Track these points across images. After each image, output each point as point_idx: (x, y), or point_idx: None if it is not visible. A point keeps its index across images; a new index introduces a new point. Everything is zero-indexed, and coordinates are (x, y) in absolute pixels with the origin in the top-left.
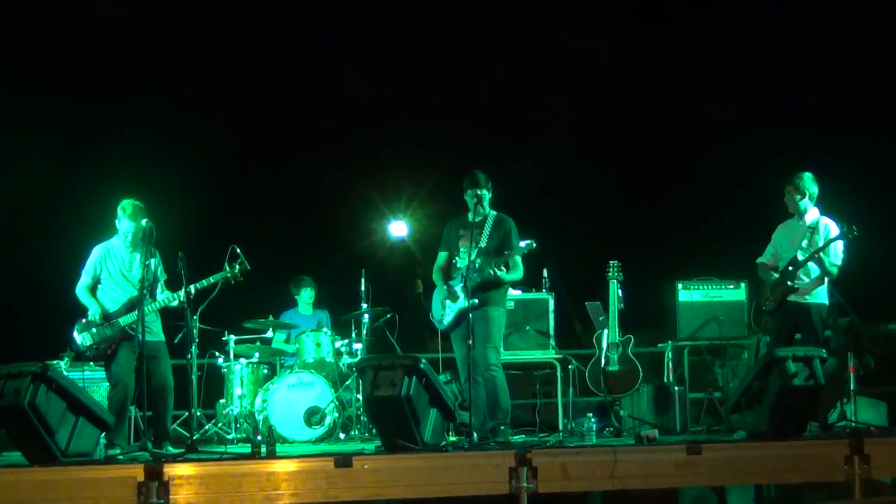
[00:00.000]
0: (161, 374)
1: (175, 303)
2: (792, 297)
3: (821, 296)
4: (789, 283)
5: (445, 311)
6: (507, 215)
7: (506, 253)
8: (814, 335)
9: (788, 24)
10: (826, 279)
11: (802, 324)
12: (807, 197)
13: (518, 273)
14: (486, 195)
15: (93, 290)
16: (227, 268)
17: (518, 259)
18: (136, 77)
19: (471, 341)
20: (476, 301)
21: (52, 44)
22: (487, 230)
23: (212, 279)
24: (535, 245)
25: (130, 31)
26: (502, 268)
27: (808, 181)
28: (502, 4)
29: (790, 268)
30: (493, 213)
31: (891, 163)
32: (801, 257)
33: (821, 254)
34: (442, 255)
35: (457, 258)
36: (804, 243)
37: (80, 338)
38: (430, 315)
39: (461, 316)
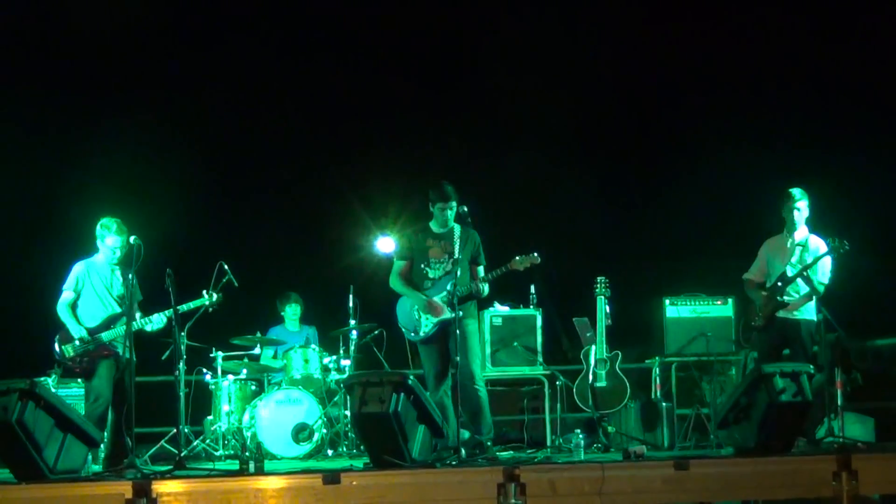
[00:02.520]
0: (130, 390)
1: (150, 327)
2: (781, 313)
3: (810, 312)
4: (779, 298)
5: (421, 320)
6: (476, 229)
7: (482, 268)
8: (803, 351)
9: (775, 42)
10: (815, 294)
11: (792, 340)
12: (805, 213)
13: (487, 288)
14: (455, 207)
15: (73, 306)
16: (206, 295)
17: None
18: (121, 91)
19: (458, 356)
20: (462, 312)
21: (32, 53)
22: (458, 242)
23: (191, 305)
24: (539, 259)
25: (115, 45)
26: (484, 284)
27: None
28: (488, 16)
29: (779, 283)
30: (458, 225)
31: (878, 179)
32: (790, 273)
33: (809, 271)
34: (401, 264)
35: (427, 269)
36: (794, 259)
37: (63, 350)
38: (398, 323)
39: (441, 327)
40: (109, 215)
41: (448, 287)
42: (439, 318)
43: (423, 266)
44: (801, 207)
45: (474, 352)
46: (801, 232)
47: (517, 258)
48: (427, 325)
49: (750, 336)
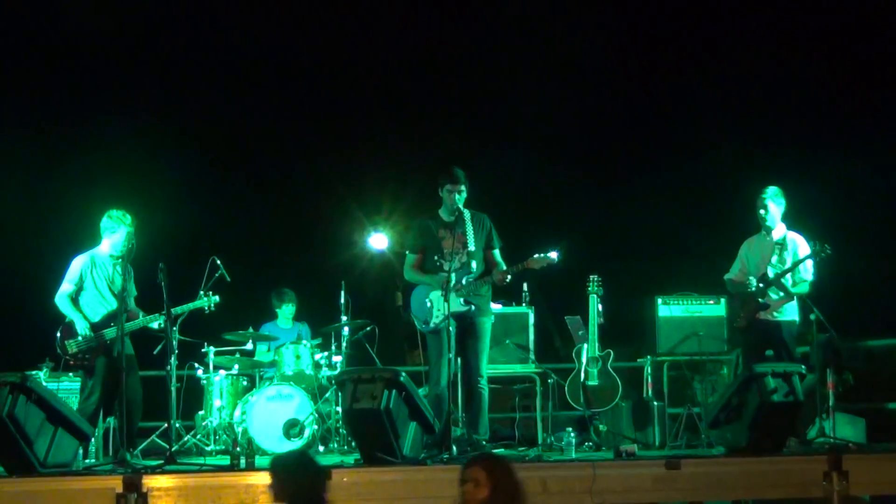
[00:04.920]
0: (134, 386)
1: (155, 325)
2: (762, 315)
3: (791, 313)
4: (760, 300)
5: (433, 311)
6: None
7: (498, 252)
8: (786, 352)
9: (762, 43)
10: (797, 296)
11: (773, 341)
12: (781, 212)
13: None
14: (465, 192)
15: (74, 299)
16: (204, 297)
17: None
18: (116, 87)
19: (450, 354)
20: (476, 308)
21: (30, 51)
22: (470, 230)
23: (189, 307)
24: (558, 257)
25: (112, 43)
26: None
27: (783, 196)
28: (482, 18)
29: (760, 285)
30: (467, 210)
31: (871, 180)
32: (771, 274)
33: (787, 274)
34: (414, 257)
35: (442, 261)
36: (774, 259)
37: (68, 344)
38: (410, 314)
39: (452, 320)
40: (117, 207)
41: (463, 281)
42: (451, 311)
43: (436, 258)
44: (770, 206)
45: (485, 351)
46: (779, 230)
47: (535, 256)
48: (438, 316)
49: (735, 337)
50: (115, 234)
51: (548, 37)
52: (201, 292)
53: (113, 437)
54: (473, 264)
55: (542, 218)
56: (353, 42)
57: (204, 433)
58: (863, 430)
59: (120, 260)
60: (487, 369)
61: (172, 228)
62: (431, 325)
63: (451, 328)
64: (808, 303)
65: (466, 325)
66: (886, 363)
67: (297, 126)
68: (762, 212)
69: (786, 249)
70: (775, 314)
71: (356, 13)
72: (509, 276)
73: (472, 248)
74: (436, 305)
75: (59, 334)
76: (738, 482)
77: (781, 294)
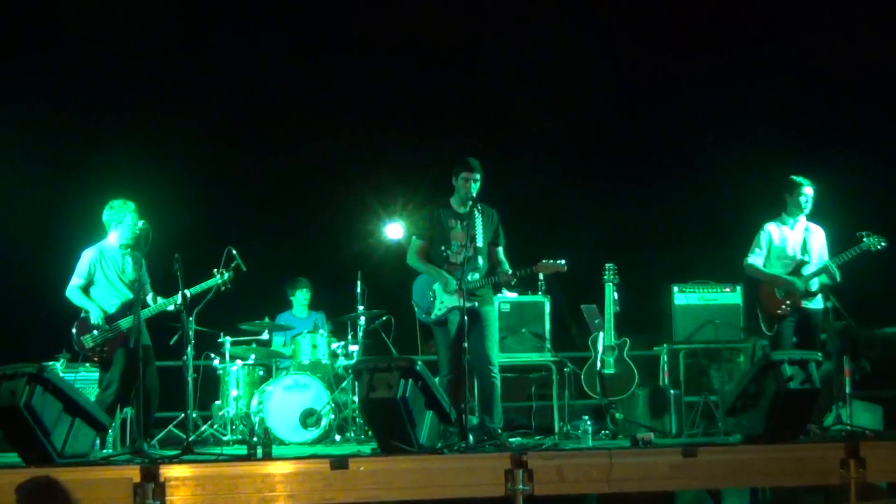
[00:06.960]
0: (151, 377)
1: (171, 307)
2: (805, 303)
3: (821, 300)
4: (811, 288)
5: (436, 303)
6: (495, 209)
7: (502, 249)
8: (818, 339)
9: (775, 32)
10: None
11: (812, 328)
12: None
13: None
14: (480, 180)
15: (85, 291)
16: (217, 274)
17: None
18: (127, 79)
19: (467, 343)
20: (479, 301)
21: (39, 45)
22: (480, 224)
23: (203, 286)
24: (565, 268)
25: (120, 34)
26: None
27: None
28: (498, 9)
29: (810, 272)
30: (479, 203)
31: (887, 165)
32: (821, 262)
33: (827, 260)
34: (420, 243)
35: (448, 252)
36: (809, 248)
37: (84, 340)
38: (412, 300)
39: (456, 313)
40: (120, 198)
41: (470, 278)
42: (455, 304)
43: (443, 248)
44: (809, 194)
45: (493, 338)
46: (803, 219)
47: (543, 261)
48: (441, 308)
49: (772, 325)
50: (120, 223)
51: (566, 32)
52: (214, 270)
53: (130, 427)
54: (480, 260)
55: (559, 207)
56: (370, 33)
57: (221, 423)
58: (880, 417)
59: (129, 249)
60: (503, 358)
61: (187, 219)
62: (433, 316)
63: (463, 318)
64: (826, 290)
65: (472, 315)
66: None
67: (312, 116)
68: (803, 199)
69: (814, 237)
70: (815, 302)
71: (373, 9)
72: (514, 279)
73: (479, 243)
74: (438, 297)
75: (74, 331)
76: (755, 470)
77: (822, 281)
